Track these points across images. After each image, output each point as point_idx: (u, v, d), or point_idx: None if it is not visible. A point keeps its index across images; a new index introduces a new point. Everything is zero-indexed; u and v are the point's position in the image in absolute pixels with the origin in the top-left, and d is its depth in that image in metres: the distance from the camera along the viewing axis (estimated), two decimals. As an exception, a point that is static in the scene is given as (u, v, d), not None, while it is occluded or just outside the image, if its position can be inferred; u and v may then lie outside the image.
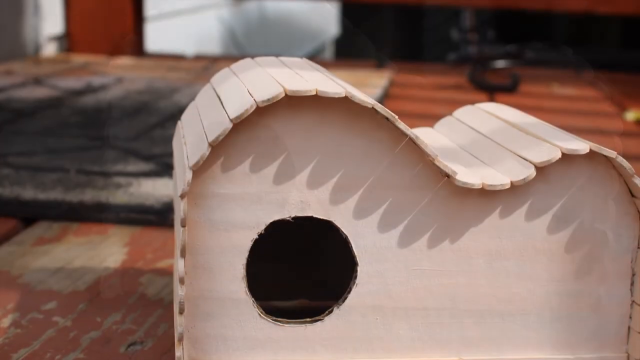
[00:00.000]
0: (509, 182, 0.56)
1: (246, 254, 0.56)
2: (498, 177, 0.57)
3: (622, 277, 0.59)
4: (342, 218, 0.57)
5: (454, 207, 0.57)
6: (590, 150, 0.57)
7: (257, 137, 0.55)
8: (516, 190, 0.57)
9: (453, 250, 0.58)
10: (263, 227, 0.56)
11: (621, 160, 0.57)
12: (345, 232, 0.57)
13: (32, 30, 2.08)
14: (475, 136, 0.65)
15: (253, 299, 0.57)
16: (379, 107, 0.54)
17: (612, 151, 0.57)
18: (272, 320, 0.57)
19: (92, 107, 1.44)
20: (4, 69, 1.83)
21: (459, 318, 0.59)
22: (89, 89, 1.62)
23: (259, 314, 0.57)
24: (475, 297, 0.58)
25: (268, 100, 0.53)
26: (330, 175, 0.56)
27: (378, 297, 0.58)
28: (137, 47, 2.27)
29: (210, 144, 0.54)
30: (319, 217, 0.56)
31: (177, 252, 0.56)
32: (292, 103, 0.54)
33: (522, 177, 0.56)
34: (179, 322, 0.55)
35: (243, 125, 0.54)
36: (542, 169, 0.57)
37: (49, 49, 2.18)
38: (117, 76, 1.79)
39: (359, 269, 0.57)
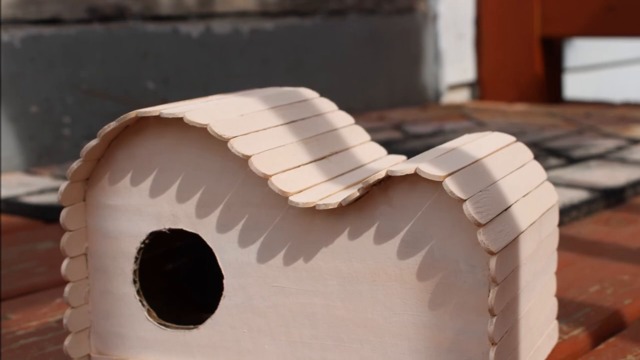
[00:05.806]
0: (337, 202, 0.56)
1: (133, 260, 0.62)
2: (333, 196, 0.57)
3: (480, 312, 0.54)
4: (208, 232, 0.60)
5: (305, 225, 0.57)
6: (415, 172, 0.53)
7: (134, 154, 0.61)
8: (362, 212, 0.56)
9: (307, 270, 0.58)
10: (144, 236, 0.62)
11: (449, 184, 0.53)
12: (211, 245, 0.60)
13: (433, 78, 2.21)
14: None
15: (143, 302, 0.62)
16: (212, 128, 0.57)
17: (438, 175, 0.53)
18: (157, 323, 0.62)
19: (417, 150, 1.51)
20: (380, 115, 1.98)
21: (320, 339, 0.58)
22: (436, 133, 1.69)
23: (147, 317, 0.62)
24: (332, 320, 0.58)
25: (118, 121, 0.59)
26: (194, 190, 0.60)
27: (244, 311, 0.60)
28: (549, 95, 2.29)
29: (80, 156, 0.61)
30: (188, 229, 0.61)
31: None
32: (158, 124, 0.60)
33: (343, 198, 0.55)
34: (68, 314, 0.63)
35: (122, 142, 0.61)
36: (385, 192, 0.55)
37: (457, 96, 2.28)
38: (479, 122, 1.84)
39: (225, 281, 0.60)
